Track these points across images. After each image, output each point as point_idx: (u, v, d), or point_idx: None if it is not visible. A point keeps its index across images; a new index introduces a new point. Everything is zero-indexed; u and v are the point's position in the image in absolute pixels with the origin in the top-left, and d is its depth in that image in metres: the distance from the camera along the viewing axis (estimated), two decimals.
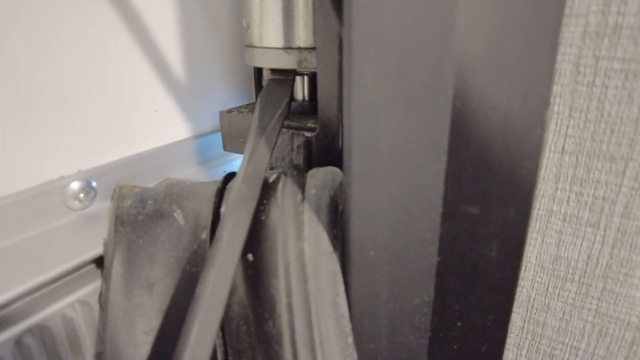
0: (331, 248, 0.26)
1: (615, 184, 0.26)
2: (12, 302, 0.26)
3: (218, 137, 0.37)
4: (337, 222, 0.27)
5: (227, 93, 0.39)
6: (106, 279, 0.29)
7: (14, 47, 0.25)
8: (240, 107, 0.38)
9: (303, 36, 0.31)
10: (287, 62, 0.32)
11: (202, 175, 0.37)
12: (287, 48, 0.32)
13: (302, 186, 0.27)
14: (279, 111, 0.28)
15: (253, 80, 0.40)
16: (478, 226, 0.24)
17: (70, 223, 0.29)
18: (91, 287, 0.28)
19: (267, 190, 0.28)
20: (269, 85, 0.31)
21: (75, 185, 0.30)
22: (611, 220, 0.27)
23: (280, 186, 0.28)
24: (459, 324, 0.26)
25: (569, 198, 0.28)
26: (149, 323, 0.29)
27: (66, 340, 0.28)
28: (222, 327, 0.29)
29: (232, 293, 0.28)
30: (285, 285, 0.26)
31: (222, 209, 0.28)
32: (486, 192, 0.23)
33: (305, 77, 0.35)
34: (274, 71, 0.34)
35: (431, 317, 0.26)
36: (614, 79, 0.24)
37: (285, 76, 0.33)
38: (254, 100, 0.40)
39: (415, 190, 0.23)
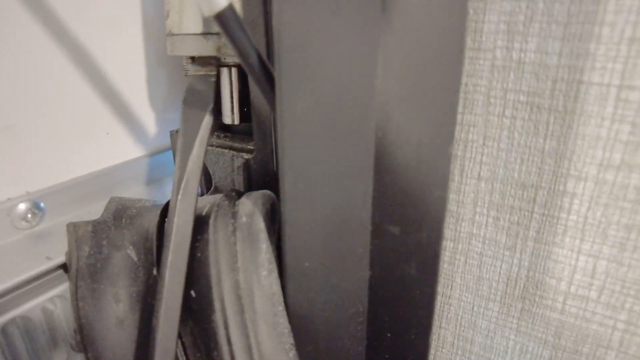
0: (267, 271, 0.27)
1: (527, 210, 0.27)
2: None
3: (169, 155, 0.38)
4: (272, 242, 0.28)
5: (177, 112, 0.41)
6: (77, 328, 0.32)
7: None
8: None
9: None
10: (206, 48, 0.31)
11: (154, 193, 0.39)
12: (206, 34, 0.32)
13: (234, 215, 0.28)
14: (203, 121, 0.28)
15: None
16: (399, 245, 0.25)
17: (16, 242, 0.31)
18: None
19: (200, 225, 0.29)
20: (190, 87, 0.30)
21: (22, 207, 0.31)
22: (526, 245, 0.28)
23: (211, 220, 0.29)
24: (389, 334, 0.27)
25: (487, 222, 0.29)
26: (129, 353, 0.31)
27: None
28: (185, 352, 0.31)
29: (185, 326, 0.29)
30: (222, 318, 0.27)
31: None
32: (404, 215, 0.24)
33: (233, 70, 0.33)
34: (193, 61, 0.33)
35: (366, 327, 0.28)
36: (521, 110, 0.25)
37: (207, 70, 0.32)
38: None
39: (346, 209, 0.25)
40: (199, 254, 0.28)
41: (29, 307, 0.30)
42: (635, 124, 0.22)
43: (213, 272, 0.27)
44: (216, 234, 0.28)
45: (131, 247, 0.32)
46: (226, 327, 0.27)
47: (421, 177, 0.24)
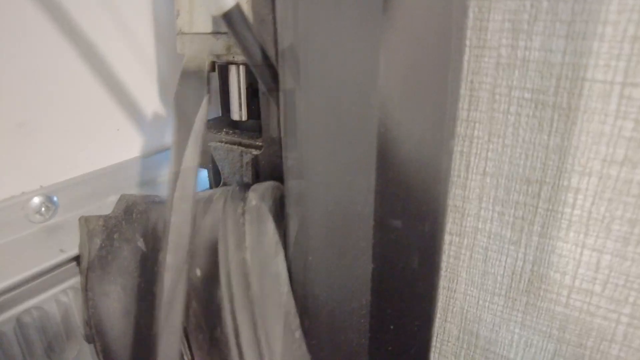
0: (274, 252, 0.28)
1: (532, 205, 0.27)
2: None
3: None
4: (279, 227, 0.29)
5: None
6: (87, 319, 0.32)
7: None
8: None
9: None
10: (216, 47, 0.32)
11: (165, 189, 0.39)
12: (216, 33, 0.32)
13: (245, 199, 0.29)
14: (196, 125, 0.29)
15: (219, 95, 0.42)
16: (402, 238, 0.25)
17: (31, 235, 0.32)
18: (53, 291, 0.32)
19: (212, 209, 0.30)
20: (180, 84, 0.30)
21: (36, 200, 0.32)
22: (530, 239, 0.28)
23: (221, 204, 0.30)
24: (392, 327, 0.28)
25: (492, 217, 0.29)
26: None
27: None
28: (187, 338, 0.32)
29: (188, 307, 0.30)
30: (227, 292, 0.28)
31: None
32: (406, 208, 0.25)
33: (241, 67, 0.34)
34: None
35: (369, 319, 0.28)
36: (526, 107, 0.26)
37: (198, 65, 0.31)
38: (220, 114, 0.42)
39: (349, 204, 0.25)
40: (207, 234, 0.29)
41: (43, 298, 0.31)
42: (638, 120, 0.23)
43: (221, 249, 0.28)
44: (225, 214, 0.29)
45: (141, 240, 0.33)
46: (231, 301, 0.27)
47: (423, 171, 0.24)
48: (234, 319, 0.27)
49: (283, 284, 0.27)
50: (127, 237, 0.33)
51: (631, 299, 0.26)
